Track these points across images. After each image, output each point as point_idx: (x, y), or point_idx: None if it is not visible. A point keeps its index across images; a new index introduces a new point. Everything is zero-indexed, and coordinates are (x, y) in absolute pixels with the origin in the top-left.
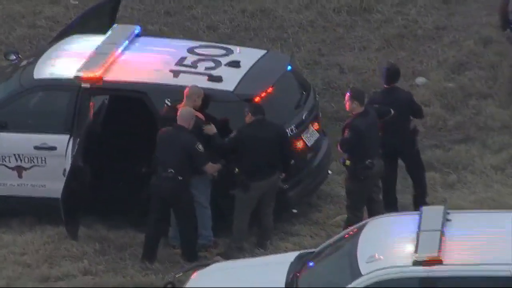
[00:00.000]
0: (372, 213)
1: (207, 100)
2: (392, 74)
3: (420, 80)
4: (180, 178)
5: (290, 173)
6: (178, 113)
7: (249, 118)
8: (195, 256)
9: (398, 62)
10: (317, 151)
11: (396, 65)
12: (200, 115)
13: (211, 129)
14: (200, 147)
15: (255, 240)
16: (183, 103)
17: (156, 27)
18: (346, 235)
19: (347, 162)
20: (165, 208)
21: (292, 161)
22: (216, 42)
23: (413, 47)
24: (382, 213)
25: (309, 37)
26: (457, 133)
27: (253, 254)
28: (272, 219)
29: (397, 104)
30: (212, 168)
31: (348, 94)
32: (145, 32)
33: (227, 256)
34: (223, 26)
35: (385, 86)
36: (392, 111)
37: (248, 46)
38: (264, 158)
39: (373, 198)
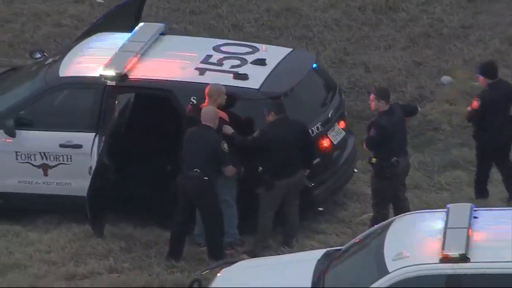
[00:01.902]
0: (398, 211)
1: (233, 98)
2: (494, 67)
3: (445, 79)
4: (205, 178)
5: (315, 172)
6: (201, 113)
7: (272, 117)
8: (221, 254)
9: (424, 61)
10: (343, 149)
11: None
12: (224, 115)
13: (228, 129)
14: (226, 146)
15: (281, 238)
16: (206, 102)
17: (181, 25)
18: (373, 233)
19: (373, 160)
20: (190, 206)
21: (318, 159)
22: (242, 41)
23: (439, 46)
24: (408, 211)
25: (335, 36)
26: None
27: (278, 252)
28: (298, 217)
29: (505, 96)
30: (231, 170)
31: (372, 93)
32: (171, 31)
33: (253, 254)
34: (248, 25)
35: (491, 80)
36: (419, 108)
37: (274, 45)
38: (288, 156)
39: (398, 196)
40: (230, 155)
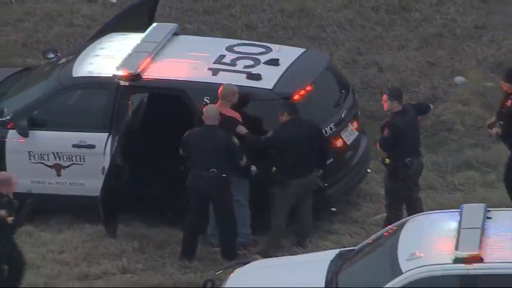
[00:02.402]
0: (412, 211)
1: (246, 98)
2: None
3: (459, 79)
4: (223, 176)
5: (329, 172)
6: (204, 113)
7: (285, 117)
8: (234, 254)
9: (437, 61)
10: (356, 149)
11: None
12: (237, 115)
13: (242, 129)
14: (236, 140)
15: (294, 238)
16: (218, 103)
17: (194, 25)
18: (386, 233)
19: (386, 161)
20: (203, 206)
21: (331, 159)
22: (255, 41)
23: (452, 46)
24: (422, 211)
25: (348, 36)
26: None
27: (292, 253)
28: (311, 217)
29: None
30: (245, 161)
31: (385, 94)
32: (184, 31)
33: (266, 254)
34: (262, 25)
35: None
36: (432, 106)
37: (287, 45)
38: (301, 156)
39: (412, 196)
40: (242, 148)
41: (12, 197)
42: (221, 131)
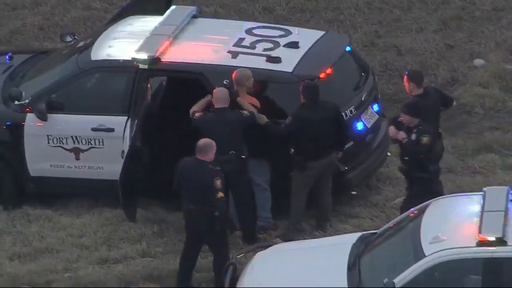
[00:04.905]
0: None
1: (266, 81)
2: None
3: (478, 62)
4: (242, 157)
5: (349, 155)
6: (214, 96)
7: (303, 99)
8: (254, 238)
9: (456, 43)
10: (376, 133)
11: None
12: (254, 100)
13: (262, 119)
14: (245, 112)
15: (315, 222)
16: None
17: (211, 8)
18: (409, 216)
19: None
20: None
21: (351, 143)
22: (274, 24)
23: (471, 28)
24: (442, 194)
25: (366, 19)
26: None
27: (312, 236)
28: (331, 200)
29: None
30: (261, 118)
31: (405, 75)
32: (202, 14)
33: (286, 238)
34: (279, 8)
35: None
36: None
37: (306, 28)
38: (319, 138)
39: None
40: (252, 113)
41: None
42: (232, 112)
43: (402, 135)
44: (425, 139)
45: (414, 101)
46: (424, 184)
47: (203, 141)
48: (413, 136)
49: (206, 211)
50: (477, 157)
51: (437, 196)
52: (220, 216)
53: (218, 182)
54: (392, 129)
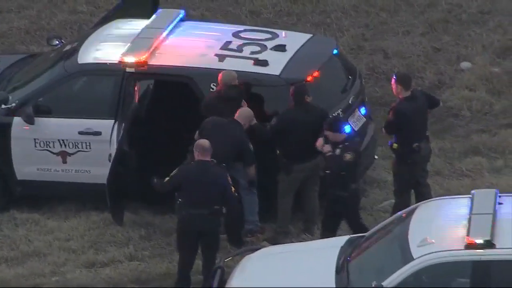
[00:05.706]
0: (420, 198)
1: (253, 84)
2: None
3: (465, 64)
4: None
5: None
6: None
7: (291, 102)
8: (241, 241)
9: (443, 46)
10: (364, 136)
11: None
12: (244, 103)
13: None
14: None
15: (302, 225)
16: (219, 88)
17: (198, 12)
18: (397, 219)
19: (395, 145)
20: None
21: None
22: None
23: (458, 31)
24: (430, 197)
25: (353, 22)
26: (503, 117)
27: (300, 239)
28: (318, 203)
29: None
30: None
31: (393, 78)
32: (188, 17)
33: (274, 241)
34: (266, 11)
35: None
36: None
37: (293, 31)
38: (306, 141)
39: (420, 182)
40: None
41: None
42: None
43: (327, 148)
44: (348, 156)
45: (336, 118)
46: (343, 202)
47: (204, 141)
48: (338, 151)
49: (211, 212)
50: (464, 160)
51: (353, 215)
52: (234, 211)
53: (229, 178)
54: (320, 141)
